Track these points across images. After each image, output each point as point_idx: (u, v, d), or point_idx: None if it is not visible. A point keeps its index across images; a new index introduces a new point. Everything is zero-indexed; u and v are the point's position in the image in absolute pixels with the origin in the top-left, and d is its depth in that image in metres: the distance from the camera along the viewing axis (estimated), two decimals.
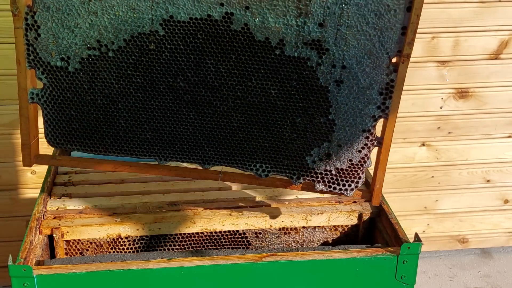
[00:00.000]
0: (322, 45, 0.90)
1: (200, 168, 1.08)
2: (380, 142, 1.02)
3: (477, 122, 2.02)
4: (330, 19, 0.87)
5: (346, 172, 1.04)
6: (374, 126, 1.00)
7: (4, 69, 1.72)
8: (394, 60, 0.94)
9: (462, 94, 1.97)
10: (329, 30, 0.88)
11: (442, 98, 1.96)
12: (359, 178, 1.05)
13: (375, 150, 1.05)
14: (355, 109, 0.96)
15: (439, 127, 2.01)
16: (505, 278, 2.15)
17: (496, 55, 1.92)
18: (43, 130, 1.08)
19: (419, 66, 1.90)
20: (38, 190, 1.30)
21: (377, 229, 1.23)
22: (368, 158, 1.03)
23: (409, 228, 2.11)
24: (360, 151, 1.01)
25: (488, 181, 2.12)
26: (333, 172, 1.03)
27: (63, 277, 0.98)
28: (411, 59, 2.07)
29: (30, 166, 1.10)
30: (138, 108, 0.98)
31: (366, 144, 1.01)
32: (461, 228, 2.19)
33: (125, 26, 0.89)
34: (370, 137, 1.00)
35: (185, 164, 1.25)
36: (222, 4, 0.87)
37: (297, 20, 0.87)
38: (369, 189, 1.11)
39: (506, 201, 2.17)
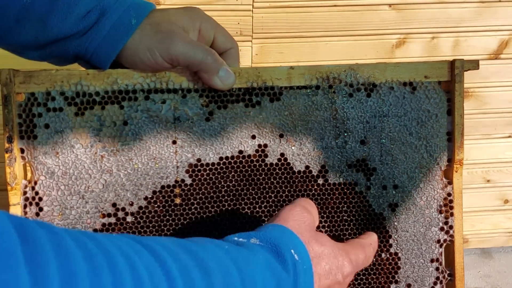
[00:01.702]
0: (368, 165, 0.80)
1: None
2: (451, 273, 0.85)
3: (477, 122, 2.02)
4: (372, 134, 0.79)
5: None
6: (441, 253, 0.85)
7: None
8: (445, 170, 0.84)
9: None
10: (373, 147, 0.79)
11: None
12: None
13: None
14: (418, 234, 0.83)
15: None
16: (505, 278, 2.15)
17: (496, 55, 1.92)
18: None
19: None
20: None
21: None
22: None
23: None
24: None
25: (488, 181, 2.12)
26: None
27: None
28: (411, 59, 2.07)
29: None
30: None
31: (437, 278, 0.85)
32: None
33: (146, 179, 0.75)
34: (440, 268, 0.85)
35: None
36: (253, 137, 0.77)
37: (337, 140, 0.78)
38: None
39: (506, 201, 2.17)
